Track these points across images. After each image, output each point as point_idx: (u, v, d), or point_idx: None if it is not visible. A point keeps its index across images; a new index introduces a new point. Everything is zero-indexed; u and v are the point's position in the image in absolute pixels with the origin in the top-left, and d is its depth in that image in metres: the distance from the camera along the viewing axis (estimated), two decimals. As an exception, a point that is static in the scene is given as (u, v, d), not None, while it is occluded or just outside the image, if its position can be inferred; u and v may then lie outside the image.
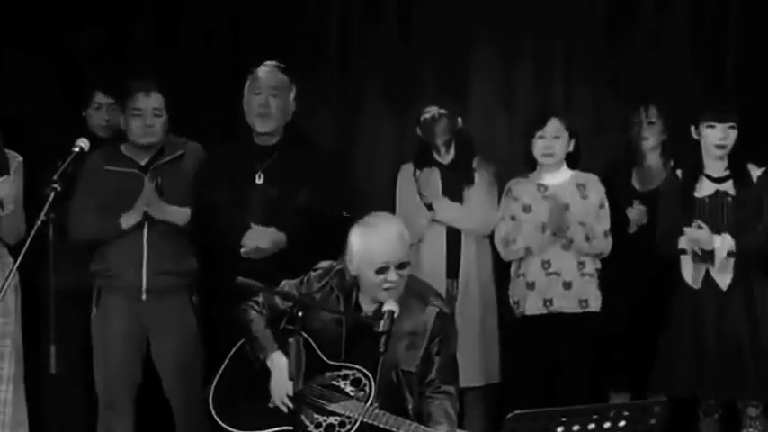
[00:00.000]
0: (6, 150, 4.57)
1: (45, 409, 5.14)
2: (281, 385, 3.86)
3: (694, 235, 4.67)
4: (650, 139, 5.15)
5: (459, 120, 5.17)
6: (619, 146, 5.27)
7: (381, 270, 3.85)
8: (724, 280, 4.69)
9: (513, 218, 4.99)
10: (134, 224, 4.78)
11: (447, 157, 5.19)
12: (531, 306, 4.92)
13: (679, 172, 4.87)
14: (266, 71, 4.85)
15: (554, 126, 4.91)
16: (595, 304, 4.93)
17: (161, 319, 4.87)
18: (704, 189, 4.79)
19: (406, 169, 5.23)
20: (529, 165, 5.02)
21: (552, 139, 4.91)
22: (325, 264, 4.11)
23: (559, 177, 4.98)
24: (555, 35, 5.62)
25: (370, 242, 3.87)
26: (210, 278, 4.88)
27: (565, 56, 5.62)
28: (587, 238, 4.88)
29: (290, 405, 3.84)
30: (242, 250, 4.69)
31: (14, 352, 4.55)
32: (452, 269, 5.10)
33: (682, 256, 4.74)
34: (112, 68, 5.62)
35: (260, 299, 4.07)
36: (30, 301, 4.69)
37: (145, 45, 5.81)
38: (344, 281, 4.01)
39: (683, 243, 4.72)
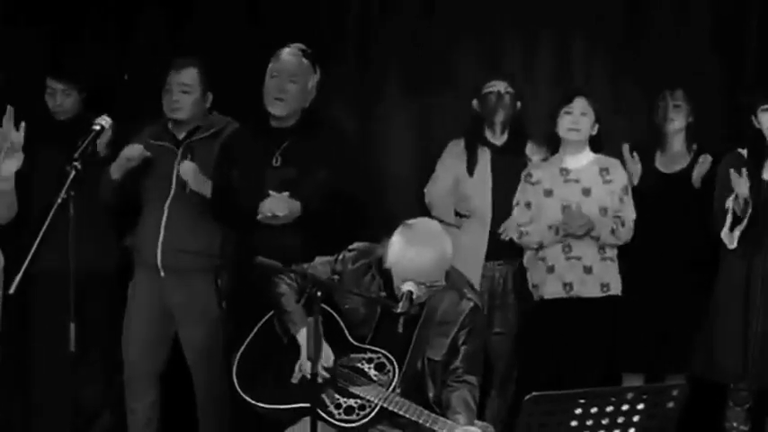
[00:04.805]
0: None
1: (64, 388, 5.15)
2: None
3: (739, 182, 4.59)
4: (676, 121, 5.08)
5: (519, 103, 5.13)
6: (641, 129, 5.22)
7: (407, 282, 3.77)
8: None
9: (528, 204, 4.97)
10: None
11: (501, 138, 5.15)
12: (551, 290, 4.91)
13: (744, 151, 4.80)
14: (287, 55, 4.73)
15: (581, 103, 4.91)
16: (616, 288, 4.92)
17: (183, 300, 4.88)
18: None
19: (456, 144, 5.17)
20: (551, 146, 5.00)
21: (579, 116, 4.90)
22: (360, 245, 4.05)
23: (582, 160, 4.96)
24: (576, 21, 5.58)
25: (405, 257, 3.77)
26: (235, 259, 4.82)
27: (586, 41, 5.58)
28: (612, 231, 4.86)
29: (327, 375, 3.82)
30: (259, 216, 4.59)
31: None
32: (492, 251, 5.06)
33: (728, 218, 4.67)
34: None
35: (292, 273, 3.99)
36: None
37: (159, 28, 5.84)
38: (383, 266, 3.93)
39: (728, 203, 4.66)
